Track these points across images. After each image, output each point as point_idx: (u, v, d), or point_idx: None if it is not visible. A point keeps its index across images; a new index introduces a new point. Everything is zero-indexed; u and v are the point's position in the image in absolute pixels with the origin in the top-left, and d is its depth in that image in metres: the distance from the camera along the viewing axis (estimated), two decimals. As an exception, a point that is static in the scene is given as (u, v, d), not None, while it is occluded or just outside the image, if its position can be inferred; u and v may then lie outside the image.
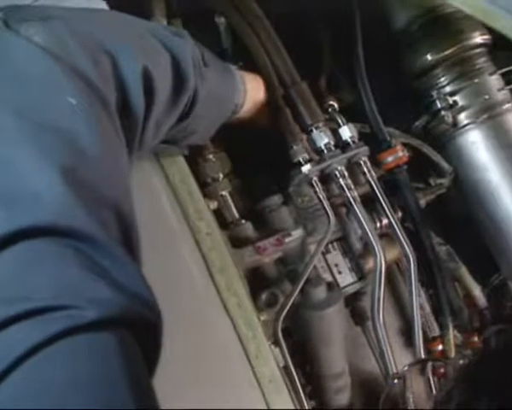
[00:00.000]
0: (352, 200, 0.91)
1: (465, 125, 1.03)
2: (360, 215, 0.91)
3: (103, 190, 0.45)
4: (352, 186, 0.92)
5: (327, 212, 0.89)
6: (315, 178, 0.90)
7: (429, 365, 0.83)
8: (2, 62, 0.47)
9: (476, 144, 1.03)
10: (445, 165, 1.04)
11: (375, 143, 1.00)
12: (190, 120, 0.71)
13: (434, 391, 0.83)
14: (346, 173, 0.91)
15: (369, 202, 0.96)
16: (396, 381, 0.80)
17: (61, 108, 0.46)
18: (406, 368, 0.83)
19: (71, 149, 0.44)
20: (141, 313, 0.40)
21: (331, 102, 0.98)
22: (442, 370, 0.86)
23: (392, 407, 0.78)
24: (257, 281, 0.87)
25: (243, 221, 0.89)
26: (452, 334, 0.98)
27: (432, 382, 0.85)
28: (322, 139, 0.90)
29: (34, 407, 0.32)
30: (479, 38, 1.03)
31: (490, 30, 1.04)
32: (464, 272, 1.06)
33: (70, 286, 0.38)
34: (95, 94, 0.49)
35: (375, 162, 0.99)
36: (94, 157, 0.45)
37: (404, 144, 1.02)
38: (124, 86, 0.54)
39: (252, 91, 0.85)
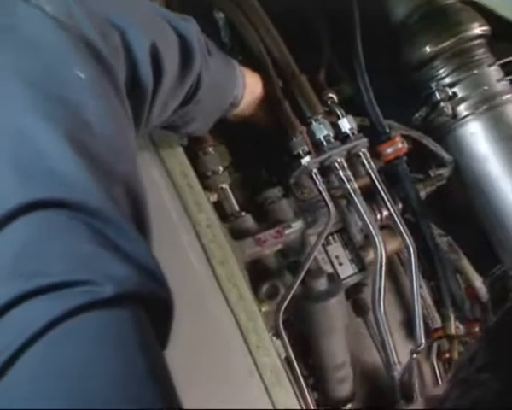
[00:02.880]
0: (351, 191, 0.91)
1: (465, 117, 1.03)
2: (360, 207, 0.91)
3: (113, 165, 0.45)
4: (352, 178, 0.92)
5: (327, 204, 0.90)
6: (315, 170, 0.90)
7: (434, 349, 0.83)
8: (12, 30, 0.46)
9: (476, 135, 1.03)
10: (445, 155, 1.04)
11: (375, 136, 1.00)
12: (192, 106, 0.71)
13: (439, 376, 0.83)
14: (346, 165, 0.92)
15: (370, 193, 0.96)
16: (415, 356, 0.80)
17: (70, 82, 0.45)
18: (422, 346, 0.83)
19: (80, 123, 0.44)
20: (154, 290, 0.40)
21: (330, 95, 0.98)
22: (447, 355, 0.86)
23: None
24: (257, 273, 0.88)
25: (243, 213, 0.89)
26: (454, 325, 0.98)
27: (436, 367, 0.85)
28: (322, 131, 0.90)
29: (53, 382, 0.32)
30: (478, 30, 1.03)
31: (489, 21, 1.05)
32: (465, 263, 1.06)
33: (85, 261, 0.38)
34: (104, 68, 0.49)
35: (375, 154, 1.00)
36: (103, 133, 0.45)
37: (404, 136, 1.02)
38: (133, 62, 0.54)
39: (251, 86, 0.85)
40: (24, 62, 0.45)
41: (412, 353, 0.82)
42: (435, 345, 0.85)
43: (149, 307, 0.40)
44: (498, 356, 0.42)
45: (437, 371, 0.85)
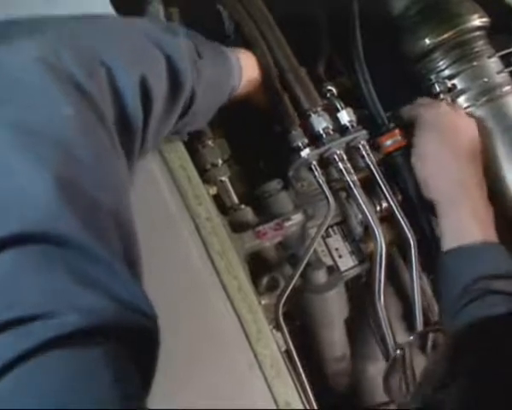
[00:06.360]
0: (351, 184, 0.91)
1: (464, 109, 1.03)
2: (360, 199, 0.91)
3: (100, 199, 0.44)
4: (352, 170, 0.92)
5: (326, 196, 0.90)
6: (314, 163, 0.90)
7: (429, 342, 0.83)
8: None
9: (476, 127, 1.03)
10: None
11: (375, 128, 1.00)
12: (190, 115, 0.71)
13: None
14: (345, 157, 0.92)
15: (370, 185, 0.96)
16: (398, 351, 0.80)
17: (55, 118, 0.45)
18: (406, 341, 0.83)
19: (65, 158, 0.43)
20: (134, 323, 0.39)
21: (329, 87, 0.98)
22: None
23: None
24: (257, 265, 0.87)
25: (243, 206, 0.89)
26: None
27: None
28: (321, 123, 0.90)
29: None
30: (477, 21, 1.03)
31: (488, 13, 1.04)
32: (466, 255, 1.06)
33: (55, 295, 0.37)
34: (89, 104, 0.48)
35: (376, 147, 1.00)
36: (89, 167, 0.45)
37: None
38: (121, 99, 0.53)
39: (247, 70, 0.85)
40: (7, 103, 0.44)
41: (396, 348, 0.82)
42: (430, 338, 0.84)
43: (131, 342, 0.39)
44: (457, 369, 0.43)
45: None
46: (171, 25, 0.70)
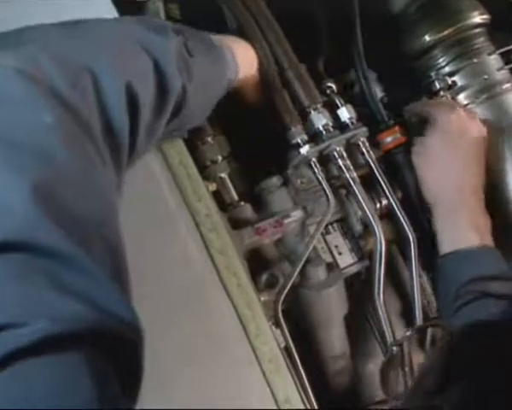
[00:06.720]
0: (351, 181, 0.91)
1: (465, 106, 1.03)
2: (360, 196, 0.91)
3: (83, 209, 0.44)
4: (351, 167, 0.92)
5: (326, 193, 0.90)
6: (314, 160, 0.90)
7: (428, 338, 0.83)
8: None
9: (476, 125, 1.02)
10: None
11: (375, 125, 1.00)
12: (183, 115, 0.70)
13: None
14: (345, 154, 0.91)
15: (370, 182, 0.96)
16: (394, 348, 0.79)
17: (35, 127, 0.45)
18: (402, 337, 0.83)
19: (45, 168, 0.43)
20: (111, 329, 0.39)
21: (329, 84, 0.98)
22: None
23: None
24: (257, 262, 0.87)
25: (242, 203, 0.89)
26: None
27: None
28: (321, 120, 0.90)
29: None
30: (477, 18, 1.03)
31: (489, 10, 1.04)
32: (466, 253, 1.05)
33: (29, 303, 0.36)
34: (73, 115, 0.48)
35: (376, 144, 0.99)
36: (71, 177, 0.44)
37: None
38: (106, 107, 0.53)
39: (244, 63, 0.83)
40: None
41: (392, 345, 0.82)
42: (429, 333, 0.84)
43: (106, 345, 0.38)
44: (453, 373, 0.43)
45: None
46: (160, 22, 0.68)
